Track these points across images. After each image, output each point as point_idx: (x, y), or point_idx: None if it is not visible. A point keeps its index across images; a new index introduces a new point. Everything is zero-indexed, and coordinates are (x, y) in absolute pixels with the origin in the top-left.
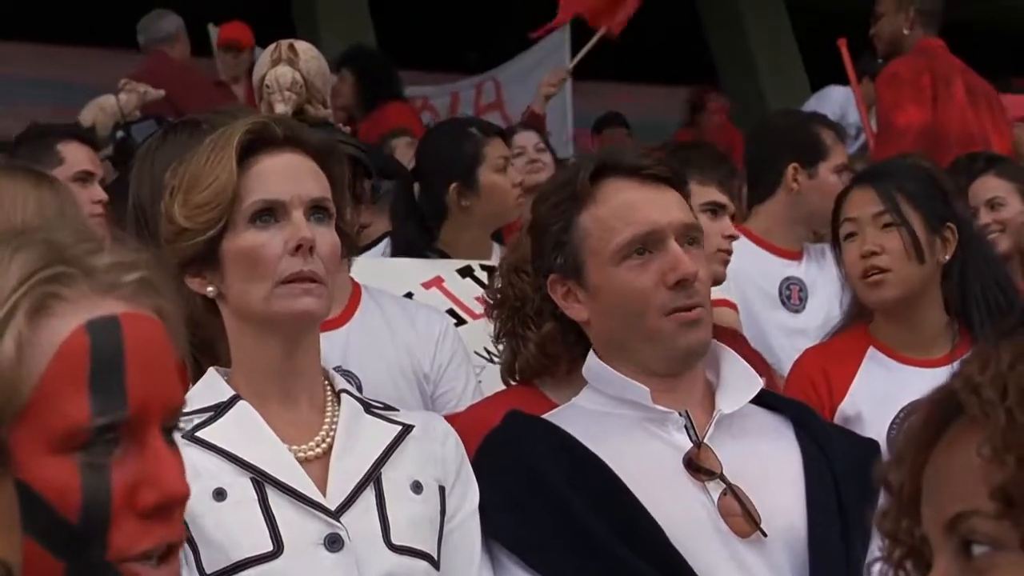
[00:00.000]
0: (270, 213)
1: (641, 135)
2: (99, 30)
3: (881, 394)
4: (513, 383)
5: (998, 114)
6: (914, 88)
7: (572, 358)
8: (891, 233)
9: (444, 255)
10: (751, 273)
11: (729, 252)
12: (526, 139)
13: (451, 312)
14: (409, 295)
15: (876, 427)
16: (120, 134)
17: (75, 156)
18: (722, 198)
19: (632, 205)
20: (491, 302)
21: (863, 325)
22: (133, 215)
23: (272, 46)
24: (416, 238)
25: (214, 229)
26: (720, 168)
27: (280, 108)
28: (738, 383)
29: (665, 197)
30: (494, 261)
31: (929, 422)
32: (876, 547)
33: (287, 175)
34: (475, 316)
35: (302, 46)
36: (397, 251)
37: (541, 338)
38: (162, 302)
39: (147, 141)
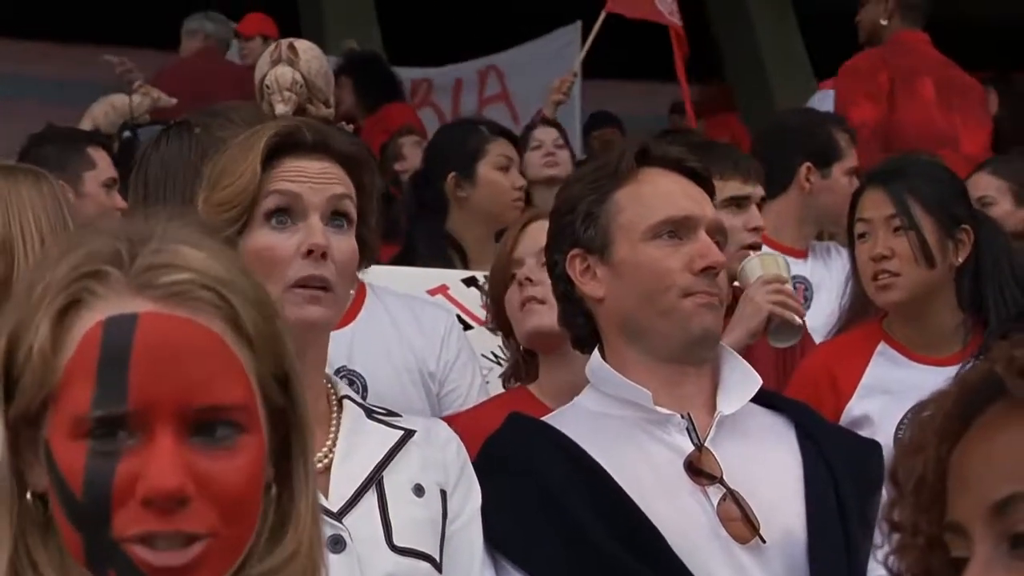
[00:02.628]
0: (286, 213)
1: (646, 134)
2: (111, 28)
3: (890, 390)
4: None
5: (975, 113)
6: (870, 83)
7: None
8: (902, 236)
9: (460, 247)
10: (755, 270)
11: (756, 245)
12: (546, 134)
13: (457, 318)
14: None
15: (884, 424)
16: (126, 134)
17: (105, 161)
18: (745, 189)
19: (671, 191)
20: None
21: (876, 320)
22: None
23: (272, 46)
24: (436, 230)
25: (233, 227)
26: (743, 160)
27: (280, 108)
28: (739, 383)
29: (701, 193)
30: None
31: (956, 409)
32: (879, 539)
33: (309, 178)
34: (480, 322)
35: (302, 45)
36: (414, 246)
37: None
38: (225, 305)
39: (142, 147)
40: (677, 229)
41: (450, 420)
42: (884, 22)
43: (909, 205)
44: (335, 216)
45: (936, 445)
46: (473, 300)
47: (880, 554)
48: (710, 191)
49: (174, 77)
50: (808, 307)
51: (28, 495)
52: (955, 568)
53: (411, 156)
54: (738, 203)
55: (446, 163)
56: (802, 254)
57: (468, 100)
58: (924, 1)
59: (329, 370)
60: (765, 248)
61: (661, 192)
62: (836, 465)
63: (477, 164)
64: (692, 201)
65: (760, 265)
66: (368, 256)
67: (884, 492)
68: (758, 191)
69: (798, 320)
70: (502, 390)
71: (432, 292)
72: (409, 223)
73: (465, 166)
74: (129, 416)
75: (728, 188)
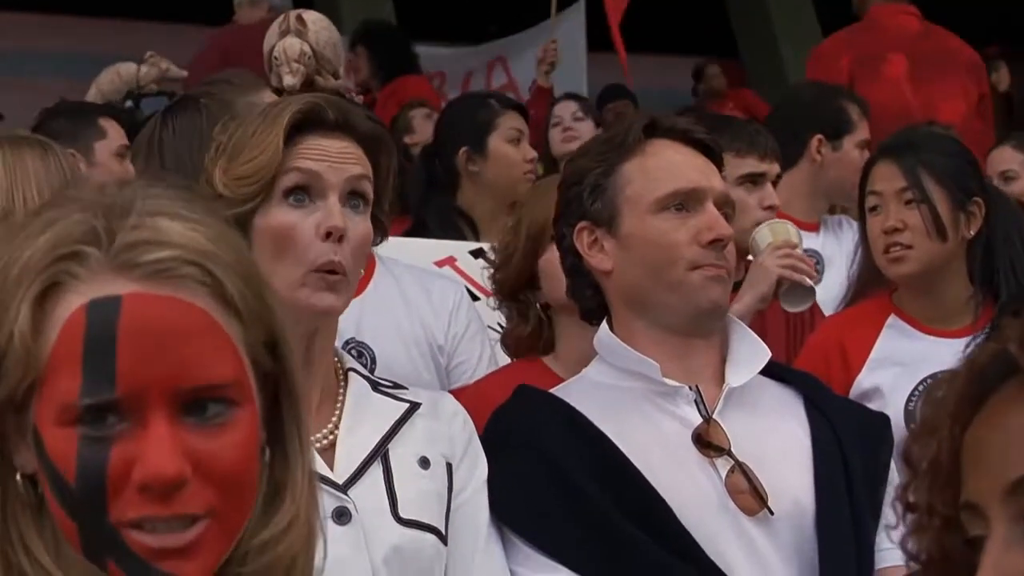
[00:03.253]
0: (305, 191)
1: (660, 108)
2: (113, 1)
3: (901, 361)
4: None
5: (955, 82)
6: (831, 68)
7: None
8: (914, 209)
9: (471, 221)
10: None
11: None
12: (564, 108)
13: (465, 289)
14: None
15: (894, 396)
16: (128, 103)
17: (116, 131)
18: (761, 167)
19: (679, 163)
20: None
21: (886, 293)
22: None
23: (280, 17)
24: (446, 205)
25: (252, 202)
26: (760, 137)
27: (288, 80)
28: (747, 355)
29: (709, 166)
30: None
31: (969, 389)
32: (891, 517)
33: (329, 157)
34: (488, 294)
35: (311, 16)
36: (424, 221)
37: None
38: (210, 279)
39: (149, 124)
40: (684, 201)
41: (459, 392)
42: None
43: (921, 178)
44: (352, 196)
45: (949, 425)
46: (480, 272)
47: (895, 535)
48: (718, 163)
49: (235, 40)
50: (820, 280)
51: (18, 478)
52: (972, 548)
53: (421, 129)
54: (753, 180)
55: (457, 138)
56: (814, 227)
57: (476, 89)
58: None
59: (338, 341)
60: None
61: (668, 164)
62: (844, 438)
63: (488, 137)
64: (699, 173)
65: (770, 232)
66: (380, 235)
67: (893, 465)
68: (774, 168)
69: (808, 282)
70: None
71: (440, 263)
72: (420, 198)
73: (476, 140)
74: (119, 401)
75: (744, 165)
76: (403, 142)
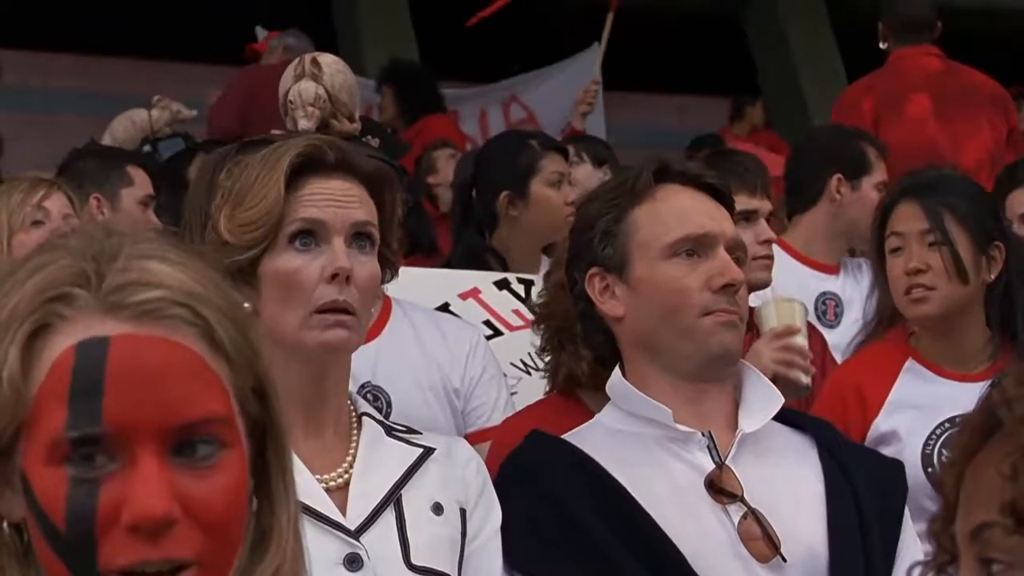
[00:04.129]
0: (310, 236)
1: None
2: (142, 41)
3: (919, 405)
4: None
5: (980, 116)
6: (854, 114)
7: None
8: (936, 251)
9: (503, 260)
10: (788, 287)
11: (768, 256)
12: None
13: (487, 323)
14: (446, 305)
15: (912, 440)
16: (147, 148)
17: (143, 179)
18: (752, 203)
19: (689, 208)
20: (536, 314)
21: (903, 336)
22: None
23: (296, 61)
24: (476, 243)
25: (257, 248)
26: (749, 175)
27: (303, 124)
28: (761, 401)
29: (720, 210)
30: (540, 274)
31: (974, 432)
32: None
33: (332, 200)
34: (512, 328)
35: (326, 59)
36: (458, 255)
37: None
38: (199, 320)
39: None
40: (695, 247)
41: (490, 431)
42: (883, 46)
43: (944, 220)
44: (358, 237)
45: (960, 464)
46: (505, 304)
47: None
48: (729, 207)
49: (259, 80)
50: (839, 323)
51: (4, 525)
52: None
53: (444, 169)
54: (746, 217)
55: (497, 179)
56: (833, 270)
57: (495, 126)
58: (920, 15)
59: (354, 385)
60: (780, 288)
61: (678, 209)
62: (858, 484)
63: (530, 182)
64: (710, 218)
65: (775, 313)
66: (389, 273)
67: (907, 512)
68: (766, 205)
69: (804, 380)
70: (530, 400)
71: (463, 296)
72: (455, 234)
73: (518, 184)
74: (106, 438)
75: (736, 203)
76: (427, 182)
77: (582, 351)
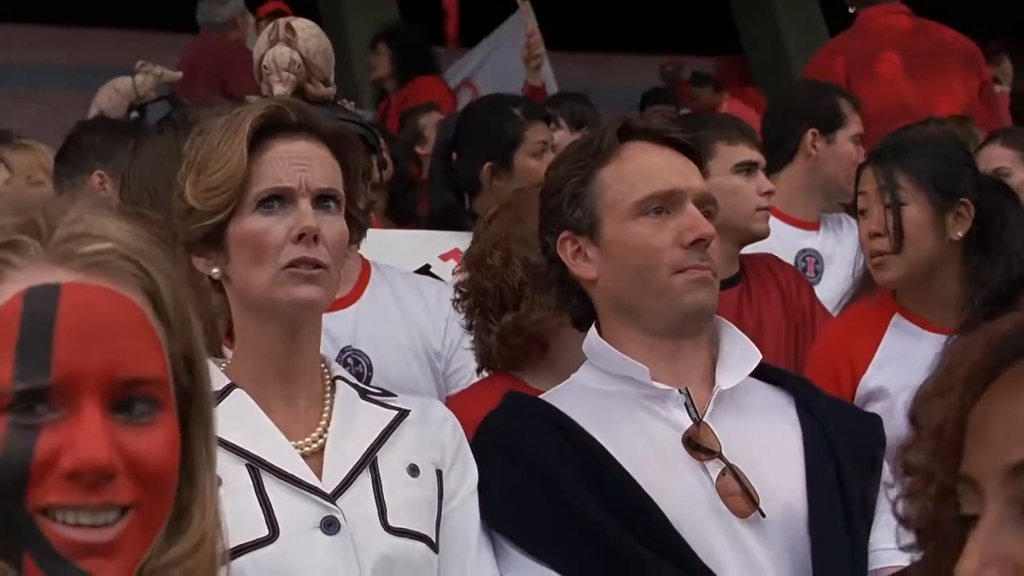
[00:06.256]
0: (277, 199)
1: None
2: (125, 13)
3: (906, 360)
4: (485, 374)
5: (953, 73)
6: (826, 75)
7: (543, 343)
8: (891, 214)
9: None
10: (768, 245)
11: (768, 208)
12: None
13: None
14: (427, 267)
15: (900, 395)
16: (134, 115)
17: None
18: (754, 155)
19: (655, 166)
20: (458, 296)
21: (889, 292)
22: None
23: (270, 26)
24: (455, 205)
25: (222, 213)
26: (744, 127)
27: (278, 89)
28: (738, 357)
29: (687, 165)
30: None
31: (985, 358)
32: (894, 489)
33: (297, 162)
34: None
35: (300, 24)
36: (436, 218)
37: (501, 329)
38: (145, 278)
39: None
40: (663, 204)
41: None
42: (852, 9)
43: (897, 181)
44: (323, 199)
45: (960, 392)
46: None
47: (892, 493)
48: (697, 161)
49: (209, 49)
50: (819, 280)
51: None
52: (963, 524)
53: (433, 138)
54: (748, 168)
55: (480, 149)
56: (813, 226)
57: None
58: None
59: (334, 350)
60: (761, 247)
61: (644, 167)
62: (836, 439)
63: (514, 154)
64: (677, 174)
65: None
66: (357, 234)
67: (885, 466)
68: (762, 159)
69: None
70: None
71: (445, 257)
72: (433, 192)
73: (502, 156)
74: (52, 389)
75: (738, 153)
76: (415, 152)
77: (489, 326)
